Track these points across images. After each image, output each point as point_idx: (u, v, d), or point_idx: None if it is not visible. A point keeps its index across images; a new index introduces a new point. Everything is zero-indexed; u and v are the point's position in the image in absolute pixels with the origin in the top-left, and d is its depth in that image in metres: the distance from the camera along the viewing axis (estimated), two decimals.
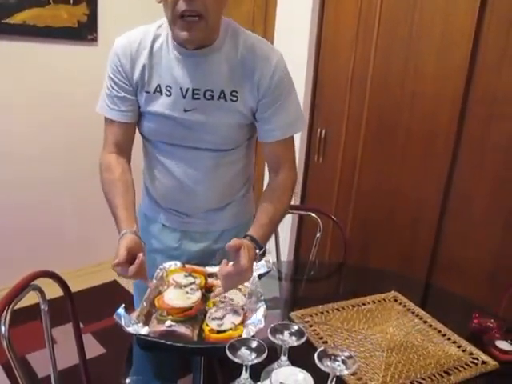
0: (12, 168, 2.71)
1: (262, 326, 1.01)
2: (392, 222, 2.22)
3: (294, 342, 0.93)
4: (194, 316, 1.09)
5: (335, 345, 1.14)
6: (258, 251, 1.16)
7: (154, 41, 1.23)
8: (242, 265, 1.05)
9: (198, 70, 1.21)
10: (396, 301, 1.39)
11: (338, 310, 1.31)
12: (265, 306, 1.07)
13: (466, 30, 1.85)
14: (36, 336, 1.58)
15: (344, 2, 2.25)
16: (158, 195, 1.40)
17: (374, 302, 1.37)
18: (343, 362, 0.85)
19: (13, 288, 1.10)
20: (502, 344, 1.17)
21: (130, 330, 0.99)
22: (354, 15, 2.21)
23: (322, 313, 1.29)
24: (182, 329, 1.04)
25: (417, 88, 2.03)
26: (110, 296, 2.87)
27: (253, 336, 0.98)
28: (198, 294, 1.11)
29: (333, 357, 0.86)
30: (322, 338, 1.17)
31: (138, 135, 1.36)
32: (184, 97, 1.22)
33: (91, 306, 2.59)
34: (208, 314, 1.10)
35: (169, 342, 0.99)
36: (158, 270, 1.26)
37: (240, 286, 1.22)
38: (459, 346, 1.18)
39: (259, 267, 1.24)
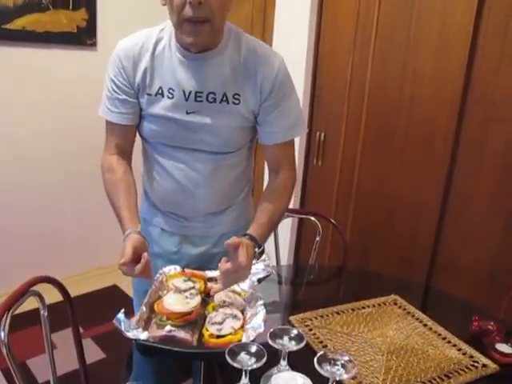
0: (12, 173, 2.71)
1: (261, 330, 1.01)
2: (392, 224, 2.22)
3: (293, 346, 0.93)
4: (194, 321, 1.09)
5: (335, 349, 1.14)
6: (256, 249, 1.18)
7: (156, 43, 1.24)
8: (240, 262, 1.07)
9: (201, 72, 1.22)
10: (396, 304, 1.39)
11: (337, 313, 1.31)
12: (264, 311, 1.07)
13: (463, 33, 1.85)
14: (36, 341, 1.57)
15: (342, 5, 2.26)
16: (157, 199, 1.40)
17: (373, 306, 1.37)
18: (343, 366, 0.85)
19: (12, 294, 1.10)
20: (503, 347, 1.16)
21: (130, 335, 0.99)
22: (351, 19, 2.22)
23: (321, 316, 1.29)
24: (181, 334, 1.04)
25: (415, 91, 2.04)
26: (110, 300, 2.87)
27: (252, 340, 0.98)
28: (197, 299, 1.11)
29: (332, 361, 0.86)
30: (321, 342, 1.16)
31: (137, 139, 1.37)
32: (186, 99, 1.23)
33: (92, 311, 2.58)
34: (208, 319, 1.10)
35: (168, 347, 0.99)
36: (158, 275, 1.26)
37: (239, 291, 1.23)
38: (459, 349, 1.18)
39: (259, 271, 1.24)
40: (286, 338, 0.95)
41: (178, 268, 1.28)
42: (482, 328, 1.22)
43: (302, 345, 0.94)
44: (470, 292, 1.89)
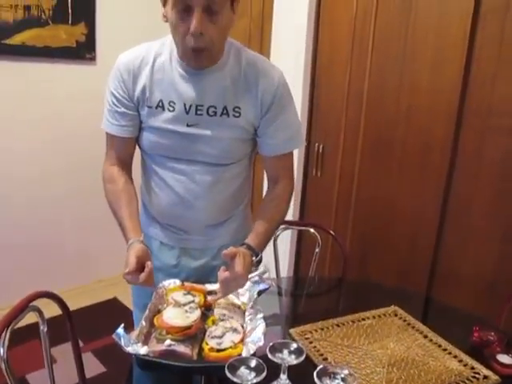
0: (13, 187, 2.72)
1: (261, 343, 1.00)
2: (391, 234, 2.22)
3: (293, 360, 0.93)
4: (194, 335, 1.08)
5: (336, 362, 1.14)
6: (254, 258, 1.22)
7: (156, 57, 1.26)
8: (237, 271, 1.12)
9: (202, 86, 1.24)
10: (396, 315, 1.38)
11: (337, 325, 1.31)
12: (264, 324, 1.07)
13: (458, 45, 1.87)
14: (36, 355, 1.56)
15: (339, 19, 2.28)
16: (156, 211, 1.41)
17: (374, 317, 1.36)
18: (343, 380, 0.85)
19: (12, 309, 1.10)
20: (504, 358, 1.16)
21: (130, 349, 0.99)
22: (348, 32, 2.24)
23: (322, 329, 1.28)
24: (181, 348, 1.03)
25: (412, 102, 2.05)
26: (110, 313, 2.86)
27: (253, 354, 0.97)
28: (197, 313, 1.11)
29: (332, 375, 0.86)
30: (322, 355, 1.16)
31: (136, 151, 1.38)
32: (187, 112, 1.24)
33: (92, 324, 2.57)
34: (207, 333, 1.09)
35: (168, 362, 0.99)
36: (158, 289, 1.26)
37: (239, 304, 1.23)
38: (460, 361, 1.17)
39: (259, 284, 1.24)
40: (285, 352, 0.95)
41: (178, 282, 1.28)
42: (482, 339, 1.22)
43: (302, 358, 0.93)
44: (470, 301, 1.89)
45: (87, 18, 2.77)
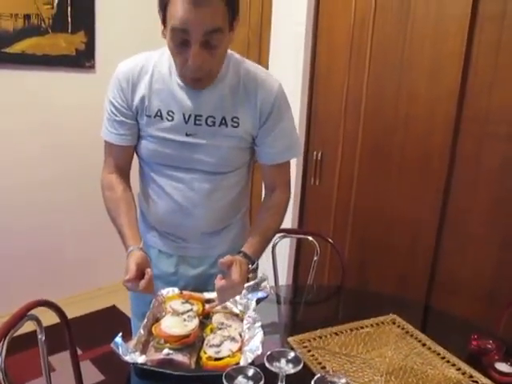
0: (11, 195, 2.72)
1: (259, 352, 1.00)
2: (390, 241, 2.23)
3: (290, 369, 0.93)
4: (192, 343, 1.08)
5: (334, 370, 1.13)
6: (250, 266, 1.24)
7: (156, 67, 1.26)
8: (234, 279, 1.14)
9: (201, 96, 1.24)
10: (394, 323, 1.38)
11: (336, 334, 1.31)
12: (262, 332, 1.07)
13: (456, 54, 1.88)
14: (34, 363, 1.56)
15: (336, 28, 2.29)
16: (154, 219, 1.41)
17: (372, 326, 1.36)
18: None
19: (10, 318, 1.09)
20: (502, 366, 1.15)
21: (128, 358, 0.99)
22: (346, 41, 2.25)
23: (320, 337, 1.28)
24: (179, 357, 1.03)
25: (410, 110, 2.06)
26: (109, 321, 2.85)
27: (251, 363, 0.97)
28: (195, 322, 1.11)
29: None
30: (320, 364, 1.16)
31: (134, 159, 1.39)
32: (186, 122, 1.25)
33: (91, 332, 2.56)
34: (205, 341, 1.10)
35: (166, 371, 0.99)
36: (156, 297, 1.26)
37: (238, 312, 1.23)
38: (459, 369, 1.17)
39: (257, 292, 1.25)
40: (283, 361, 0.95)
41: (176, 290, 1.28)
42: (480, 347, 1.21)
43: (299, 367, 0.93)
44: (469, 307, 1.89)
45: (87, 26, 2.78)
